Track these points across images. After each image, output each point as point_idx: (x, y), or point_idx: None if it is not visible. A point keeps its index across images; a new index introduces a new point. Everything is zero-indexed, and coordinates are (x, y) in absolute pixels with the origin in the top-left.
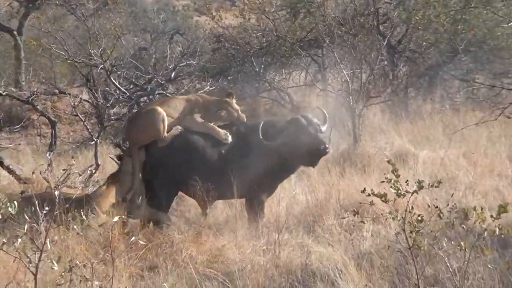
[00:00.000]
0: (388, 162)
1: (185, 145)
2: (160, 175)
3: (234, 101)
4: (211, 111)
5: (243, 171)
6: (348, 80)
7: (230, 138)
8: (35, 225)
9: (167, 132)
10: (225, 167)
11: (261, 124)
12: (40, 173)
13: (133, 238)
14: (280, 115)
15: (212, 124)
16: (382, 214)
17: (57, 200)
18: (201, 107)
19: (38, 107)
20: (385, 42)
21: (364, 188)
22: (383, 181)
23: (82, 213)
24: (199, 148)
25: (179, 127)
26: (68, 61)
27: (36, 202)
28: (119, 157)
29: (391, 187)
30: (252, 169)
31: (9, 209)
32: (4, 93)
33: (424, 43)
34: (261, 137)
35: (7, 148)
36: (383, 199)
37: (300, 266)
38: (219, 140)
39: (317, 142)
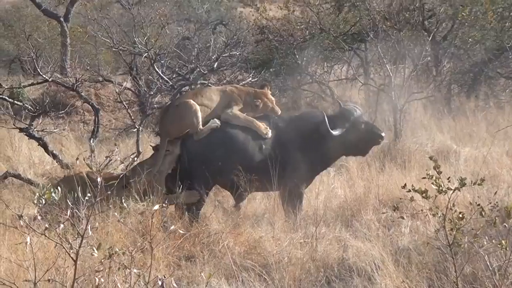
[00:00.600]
0: (430, 158)
1: (224, 138)
2: (196, 167)
3: (269, 92)
4: (247, 102)
5: (285, 164)
6: (391, 75)
7: (270, 133)
8: (77, 211)
9: (203, 125)
10: (265, 160)
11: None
12: (84, 159)
13: (172, 227)
14: (319, 108)
15: (250, 117)
16: (422, 210)
17: (98, 187)
18: (237, 99)
19: (82, 93)
20: (430, 37)
21: (405, 184)
22: (424, 177)
23: (122, 200)
24: (239, 142)
25: (216, 120)
26: (113, 49)
27: (78, 187)
28: (156, 148)
29: (432, 183)
30: (295, 161)
31: (53, 194)
32: (50, 79)
33: (470, 39)
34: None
35: (52, 133)
36: (423, 195)
37: (337, 260)
38: (259, 134)
39: (378, 130)
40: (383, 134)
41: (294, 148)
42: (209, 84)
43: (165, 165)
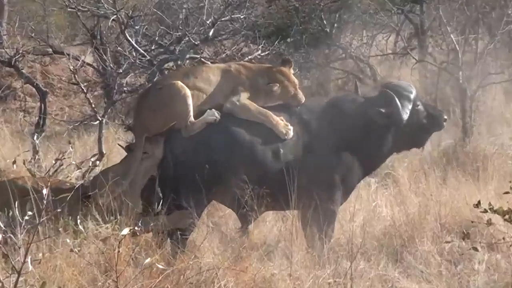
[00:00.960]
0: None
1: (224, 136)
2: (186, 176)
3: (291, 72)
4: (258, 86)
5: (313, 171)
6: (458, 49)
7: (291, 132)
8: (11, 236)
9: (196, 117)
10: (282, 167)
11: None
12: (24, 163)
13: (146, 260)
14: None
15: (264, 109)
16: (503, 238)
17: (44, 202)
18: (246, 81)
19: (23, 70)
20: None
21: (479, 201)
22: (507, 192)
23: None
24: (245, 142)
25: (214, 111)
26: (68, 9)
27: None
28: (129, 148)
29: None
30: (330, 167)
31: None
32: None
33: None
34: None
35: None
36: (506, 217)
37: None
38: (276, 134)
39: (438, 110)
40: (446, 118)
41: (329, 149)
42: (202, 59)
43: (141, 173)
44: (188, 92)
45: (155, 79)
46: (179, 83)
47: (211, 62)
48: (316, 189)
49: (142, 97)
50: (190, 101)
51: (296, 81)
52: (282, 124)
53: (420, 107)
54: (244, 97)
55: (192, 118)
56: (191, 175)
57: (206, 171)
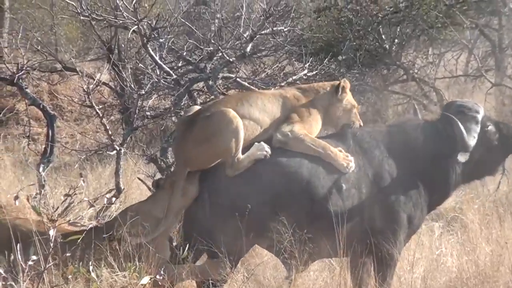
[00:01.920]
0: None
1: (276, 175)
2: (227, 218)
3: (350, 93)
4: (322, 106)
5: (375, 208)
6: None
7: (353, 165)
8: (13, 284)
9: (243, 152)
10: (343, 204)
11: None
12: (28, 199)
13: None
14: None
15: (320, 139)
16: None
17: (51, 245)
18: (304, 110)
19: (27, 90)
20: None
21: None
22: None
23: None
24: (302, 181)
25: (264, 145)
26: (81, 17)
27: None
28: (157, 184)
29: None
30: (394, 202)
31: None
32: None
33: None
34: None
35: None
36: None
37: None
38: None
39: None
40: None
41: (394, 179)
42: (238, 79)
43: (174, 215)
44: (241, 123)
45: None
46: (232, 111)
47: (249, 83)
48: (378, 230)
49: (186, 125)
50: (242, 134)
51: (355, 102)
52: (342, 156)
53: (491, 127)
54: (298, 128)
55: (240, 154)
56: (230, 217)
57: (248, 212)
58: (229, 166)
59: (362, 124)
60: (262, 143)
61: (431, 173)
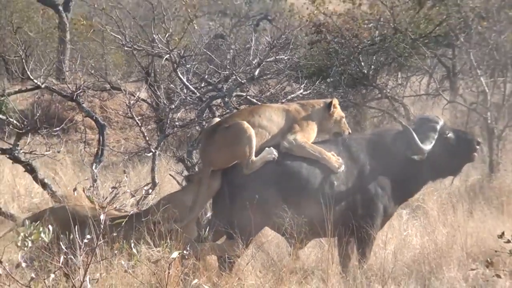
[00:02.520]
0: None
1: (282, 173)
2: (242, 206)
3: (339, 108)
4: (317, 118)
5: (358, 199)
6: (487, 90)
7: (343, 166)
8: (72, 257)
9: (256, 155)
10: (334, 197)
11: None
12: (84, 191)
13: (194, 281)
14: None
15: (317, 146)
16: None
17: (102, 227)
18: (304, 122)
19: (83, 105)
20: None
21: (503, 232)
22: None
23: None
24: (300, 178)
25: (273, 150)
26: (125, 48)
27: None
28: (188, 179)
29: None
30: (374, 194)
31: (42, 235)
32: (43, 85)
33: None
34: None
35: (43, 155)
36: None
37: None
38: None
39: (472, 135)
40: (479, 140)
41: (375, 177)
42: (248, 97)
43: (201, 204)
44: (253, 132)
45: (206, 114)
46: (245, 123)
47: (257, 100)
48: (360, 216)
49: (210, 134)
50: (254, 140)
51: (343, 114)
52: (334, 159)
53: (450, 134)
54: (300, 136)
55: (253, 157)
56: (244, 206)
57: (258, 202)
58: (245, 166)
59: (350, 131)
60: (271, 148)
61: (404, 173)
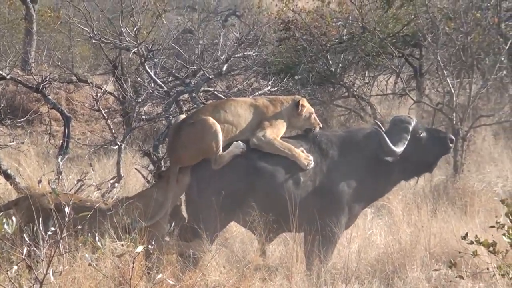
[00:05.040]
0: (502, 202)
1: (249, 168)
2: (209, 201)
3: (307, 104)
4: (286, 115)
5: (326, 196)
6: (453, 91)
7: (312, 163)
8: (35, 249)
9: (223, 150)
10: (300, 193)
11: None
12: (48, 183)
13: (158, 276)
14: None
15: (286, 143)
16: (487, 269)
17: (66, 219)
18: (272, 116)
19: (49, 97)
20: (508, 45)
21: (466, 234)
22: (493, 226)
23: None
24: (266, 174)
25: (240, 143)
26: (92, 41)
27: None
28: (159, 175)
29: (503, 234)
30: (342, 192)
31: (5, 226)
32: (8, 76)
33: None
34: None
35: (7, 146)
36: (490, 249)
37: None
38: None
39: (444, 133)
40: (452, 137)
41: (343, 174)
42: (216, 92)
43: (171, 199)
44: (218, 128)
45: (172, 109)
46: (210, 119)
47: (224, 96)
48: (328, 212)
49: (176, 131)
50: (220, 136)
51: (312, 109)
52: (304, 156)
53: (423, 134)
54: (269, 133)
55: (221, 151)
56: (210, 200)
57: (224, 197)
58: (213, 161)
59: (321, 125)
60: (239, 142)
61: (374, 171)
